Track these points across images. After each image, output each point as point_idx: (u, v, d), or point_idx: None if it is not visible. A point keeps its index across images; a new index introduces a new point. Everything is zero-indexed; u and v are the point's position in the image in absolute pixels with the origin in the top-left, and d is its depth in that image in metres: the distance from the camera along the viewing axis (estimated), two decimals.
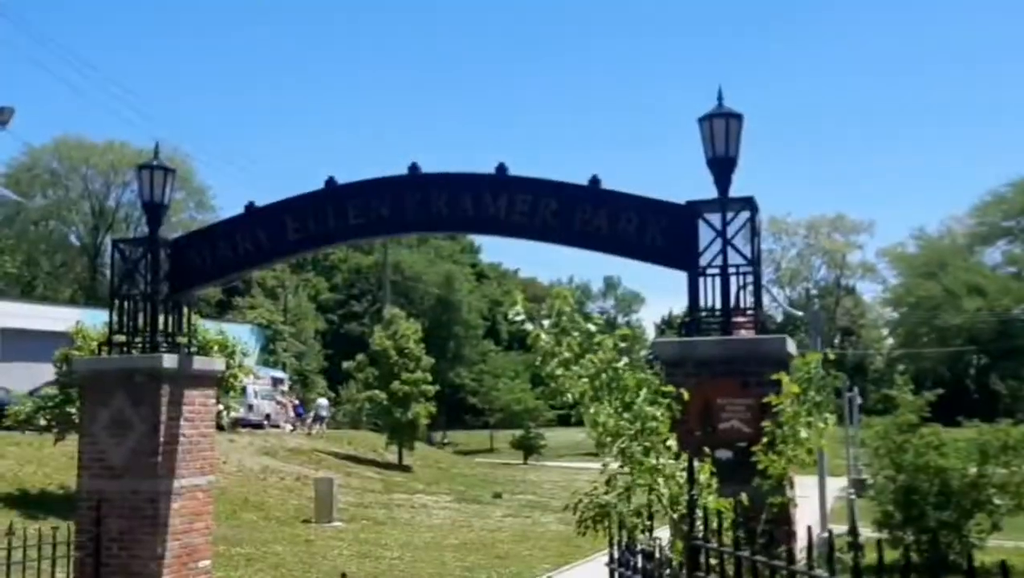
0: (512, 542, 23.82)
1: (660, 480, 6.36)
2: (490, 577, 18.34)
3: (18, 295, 58.63)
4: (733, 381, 8.37)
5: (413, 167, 9.72)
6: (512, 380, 69.06)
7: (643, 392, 7.02)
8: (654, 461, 6.48)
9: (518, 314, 7.47)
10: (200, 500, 10.27)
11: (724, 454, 7.88)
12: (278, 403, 46.64)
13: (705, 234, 8.92)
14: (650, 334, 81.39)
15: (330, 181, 10.02)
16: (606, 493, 6.78)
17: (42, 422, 21.62)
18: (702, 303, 8.88)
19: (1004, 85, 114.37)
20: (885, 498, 18.94)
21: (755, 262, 8.84)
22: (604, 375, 7.02)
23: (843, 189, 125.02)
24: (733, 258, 8.77)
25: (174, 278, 10.46)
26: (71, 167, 65.16)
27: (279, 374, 51.70)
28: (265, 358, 53.95)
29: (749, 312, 8.80)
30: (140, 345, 10.24)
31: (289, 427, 44.86)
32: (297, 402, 51.28)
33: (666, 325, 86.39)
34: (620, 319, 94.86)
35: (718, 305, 8.80)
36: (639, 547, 5.60)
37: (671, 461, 6.50)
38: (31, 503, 19.29)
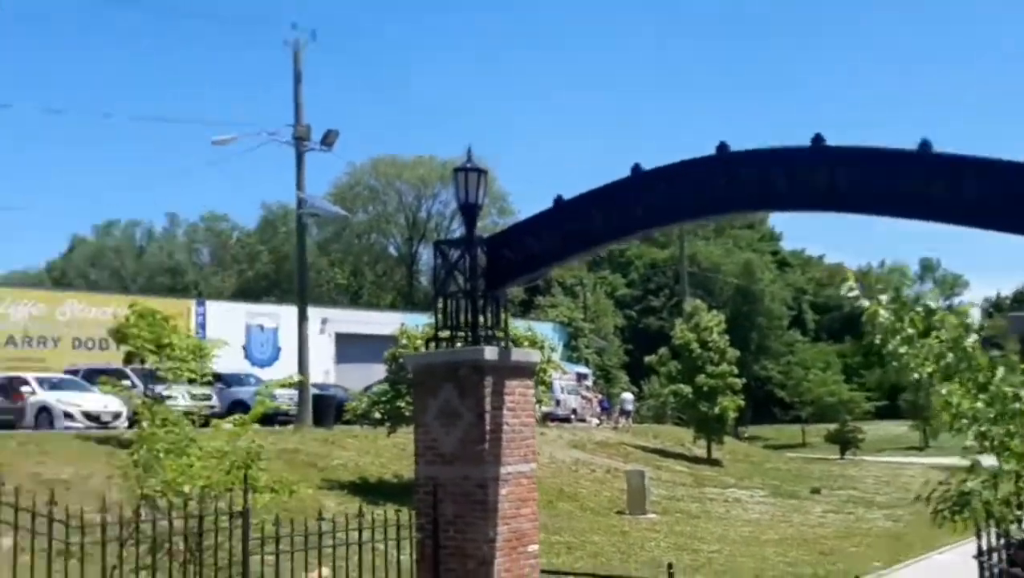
0: (836, 538, 22.68)
1: None
2: (816, 573, 17.54)
3: (347, 303, 64.24)
4: None
5: (721, 146, 9.41)
6: (823, 371, 66.02)
7: (999, 371, 6.34)
8: (1021, 446, 5.82)
9: (851, 290, 7.00)
10: (525, 486, 10.52)
11: None
12: (583, 398, 47.51)
13: None
14: (978, 318, 74.59)
15: (635, 168, 9.92)
16: (965, 481, 6.16)
17: (376, 416, 23.38)
18: None
19: None
20: None
21: None
22: (951, 355, 6.41)
23: None
24: None
25: (490, 275, 10.78)
26: (387, 183, 70.53)
27: (583, 370, 52.72)
28: (568, 354, 55.24)
29: None
30: (463, 339, 10.68)
31: (595, 421, 45.57)
32: (602, 397, 52.02)
33: (994, 308, 78.95)
34: (941, 303, 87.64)
35: None
36: (1015, 538, 5.00)
37: None
38: (370, 490, 20.91)
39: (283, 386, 20.91)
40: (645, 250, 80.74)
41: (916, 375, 6.53)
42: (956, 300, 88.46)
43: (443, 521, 10.03)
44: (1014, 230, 8.26)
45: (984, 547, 5.36)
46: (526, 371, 10.95)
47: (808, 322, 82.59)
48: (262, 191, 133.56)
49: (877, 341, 6.75)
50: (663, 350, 43.49)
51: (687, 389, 39.50)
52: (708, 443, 39.73)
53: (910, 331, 6.52)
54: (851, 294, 6.93)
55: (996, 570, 5.16)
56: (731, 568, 17.95)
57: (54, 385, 26.23)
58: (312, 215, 33.61)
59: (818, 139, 8.86)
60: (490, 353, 10.28)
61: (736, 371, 40.75)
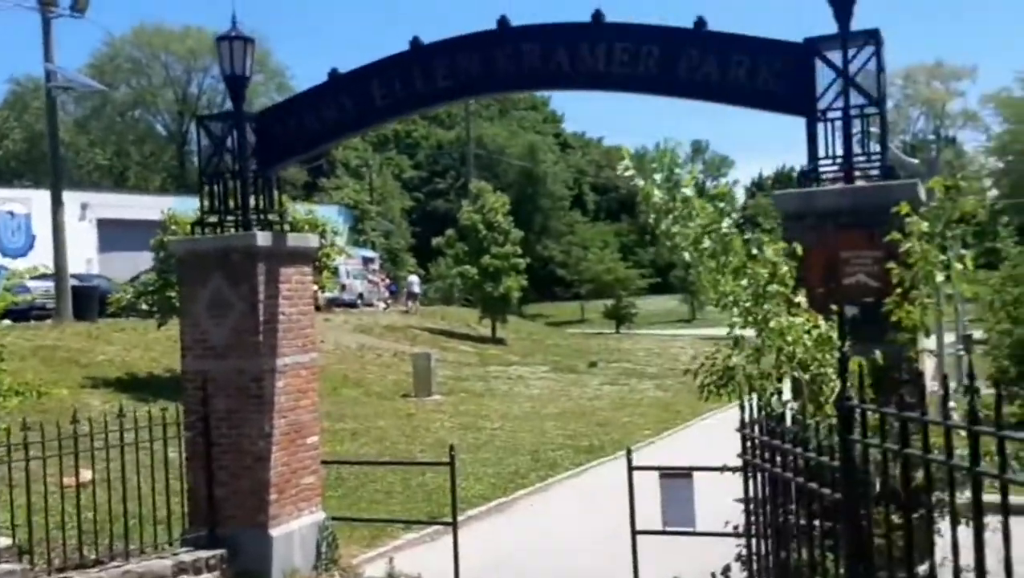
0: (611, 409, 23.84)
1: (789, 339, 5.92)
2: (592, 444, 18.35)
3: (111, 186, 59.94)
4: (859, 233, 7.74)
5: (502, 20, 9.08)
6: (601, 250, 68.57)
7: (755, 252, 6.52)
8: (781, 323, 6.02)
9: (627, 169, 6.96)
10: (304, 377, 10.20)
11: (850, 310, 7.34)
12: (370, 282, 47.11)
13: (824, 75, 8.15)
14: (741, 198, 79.45)
15: (415, 41, 9.46)
16: (730, 356, 6.37)
17: (144, 308, 22.08)
18: (821, 151, 8.19)
19: None
20: (1000, 353, 18.22)
21: (880, 101, 8.07)
22: (708, 240, 6.53)
23: (942, 34, 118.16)
24: (855, 99, 8.02)
25: (261, 153, 10.15)
26: (152, 55, 65.48)
27: (369, 253, 52.12)
28: (354, 238, 54.38)
29: (875, 157, 8.09)
30: (233, 224, 10.04)
31: (383, 305, 45.41)
32: (389, 280, 51.78)
33: (756, 187, 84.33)
34: (709, 183, 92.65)
35: (840, 152, 8.12)
36: (775, 410, 5.18)
37: (799, 320, 6.04)
38: (140, 386, 19.86)
39: (34, 277, 19.16)
40: (431, 131, 79.92)
41: (686, 254, 6.62)
42: (723, 180, 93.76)
43: (215, 417, 9.57)
44: (777, 109, 8.53)
45: (746, 419, 5.54)
46: (303, 257, 10.49)
47: (588, 203, 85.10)
48: (9, 64, 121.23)
49: (651, 220, 6.78)
50: (450, 232, 43.59)
51: (473, 270, 39.95)
52: (493, 323, 40.57)
53: (683, 209, 6.58)
54: (627, 173, 6.89)
55: (756, 441, 5.35)
56: (512, 443, 18.48)
57: None
58: (64, 89, 30.63)
59: (598, 15, 8.71)
60: (263, 238, 9.73)
61: (520, 251, 41.56)
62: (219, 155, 10.12)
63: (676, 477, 9.24)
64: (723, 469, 6.81)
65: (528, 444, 18.31)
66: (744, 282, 6.24)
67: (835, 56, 8.07)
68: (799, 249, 6.60)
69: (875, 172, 7.99)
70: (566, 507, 13.60)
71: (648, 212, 6.77)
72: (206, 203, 10.20)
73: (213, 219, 10.15)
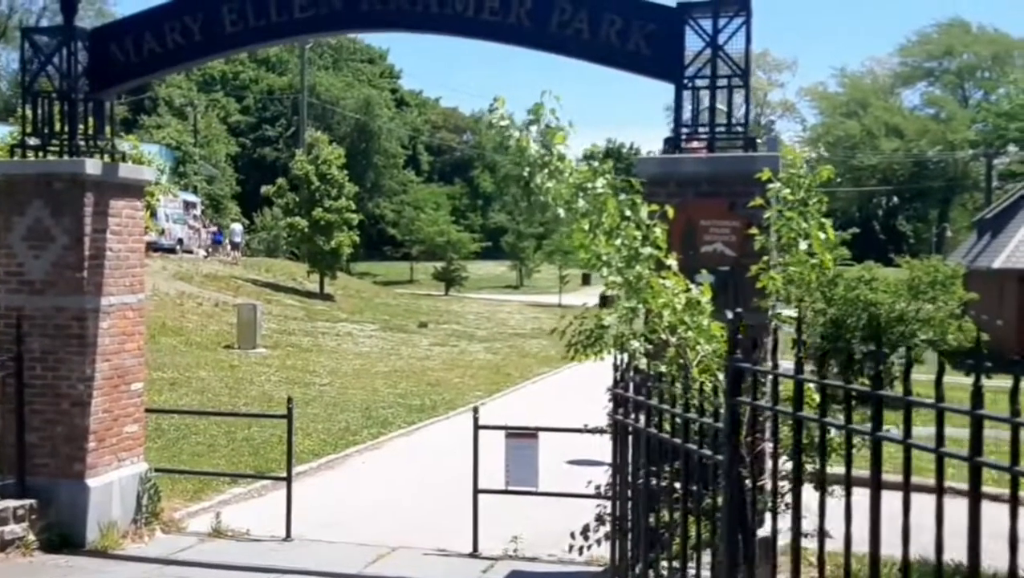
0: (442, 370, 23.70)
1: (660, 301, 5.88)
2: (424, 403, 18.15)
3: None
4: (719, 202, 7.83)
5: None
6: (434, 212, 68.19)
7: (629, 214, 6.45)
8: (653, 285, 5.98)
9: (502, 119, 6.73)
10: (131, 320, 9.48)
11: (705, 278, 7.41)
12: (191, 227, 45.08)
13: (693, 41, 8.15)
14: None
15: None
16: (598, 316, 6.29)
17: None
18: (686, 118, 8.21)
19: None
20: (814, 331, 19.25)
21: (746, 73, 8.14)
22: (582, 200, 6.41)
23: (766, 25, 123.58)
24: (722, 69, 8.06)
25: (94, 75, 9.26)
26: None
27: (191, 198, 49.77)
28: (175, 181, 51.73)
29: (737, 128, 8.18)
30: (58, 149, 9.16)
31: (203, 253, 43.54)
32: (215, 228, 49.66)
33: (587, 158, 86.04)
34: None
35: (704, 120, 8.17)
36: (651, 371, 5.11)
37: (669, 283, 6.00)
38: None
39: None
40: (262, 75, 76.97)
41: (560, 211, 6.47)
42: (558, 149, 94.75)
43: (29, 357, 8.75)
44: (645, 72, 8.48)
45: (617, 378, 5.47)
46: (135, 190, 9.71)
47: (422, 163, 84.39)
48: None
49: (525, 174, 6.58)
50: (281, 181, 42.13)
51: (304, 222, 38.81)
52: (321, 278, 39.65)
53: (558, 164, 6.42)
54: (502, 123, 6.66)
55: (631, 401, 5.29)
56: (342, 400, 18.03)
57: None
58: None
59: None
60: (92, 166, 8.92)
61: (353, 207, 40.68)
62: (45, 72, 9.19)
63: (521, 437, 9.17)
64: (585, 430, 6.76)
65: (359, 401, 17.91)
66: (617, 243, 6.16)
67: (706, 24, 8.07)
68: (671, 212, 6.60)
69: (738, 142, 8.09)
70: (400, 465, 13.36)
71: (522, 165, 6.58)
72: (29, 124, 9.25)
73: (35, 142, 9.22)
